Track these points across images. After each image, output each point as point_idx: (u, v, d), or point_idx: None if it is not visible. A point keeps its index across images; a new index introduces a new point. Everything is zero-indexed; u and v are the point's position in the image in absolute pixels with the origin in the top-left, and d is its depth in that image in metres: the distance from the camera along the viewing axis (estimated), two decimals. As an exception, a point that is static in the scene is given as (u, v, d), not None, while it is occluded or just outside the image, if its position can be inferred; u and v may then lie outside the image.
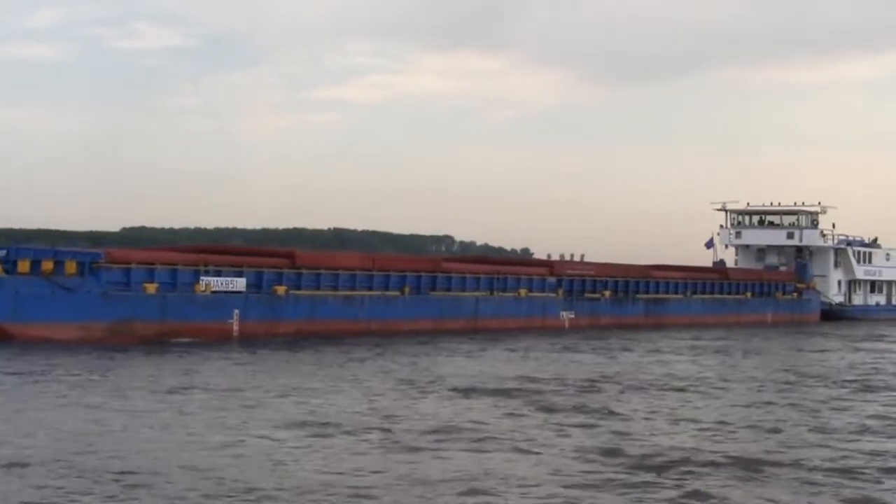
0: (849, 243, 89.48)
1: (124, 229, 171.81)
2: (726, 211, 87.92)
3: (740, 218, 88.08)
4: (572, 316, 61.05)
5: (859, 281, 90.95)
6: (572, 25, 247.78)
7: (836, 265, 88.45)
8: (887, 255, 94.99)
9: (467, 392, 28.10)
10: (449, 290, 55.30)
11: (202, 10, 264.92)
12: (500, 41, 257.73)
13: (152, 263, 44.22)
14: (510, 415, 24.13)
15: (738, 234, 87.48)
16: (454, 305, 54.78)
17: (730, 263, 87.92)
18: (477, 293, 56.31)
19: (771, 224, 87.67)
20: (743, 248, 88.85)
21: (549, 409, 24.96)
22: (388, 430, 21.29)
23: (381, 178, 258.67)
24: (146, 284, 43.34)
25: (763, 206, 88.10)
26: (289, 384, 28.85)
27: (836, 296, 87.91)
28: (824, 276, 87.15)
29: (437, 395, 27.35)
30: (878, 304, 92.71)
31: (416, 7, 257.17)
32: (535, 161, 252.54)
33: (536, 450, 19.58)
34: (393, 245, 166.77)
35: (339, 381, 29.90)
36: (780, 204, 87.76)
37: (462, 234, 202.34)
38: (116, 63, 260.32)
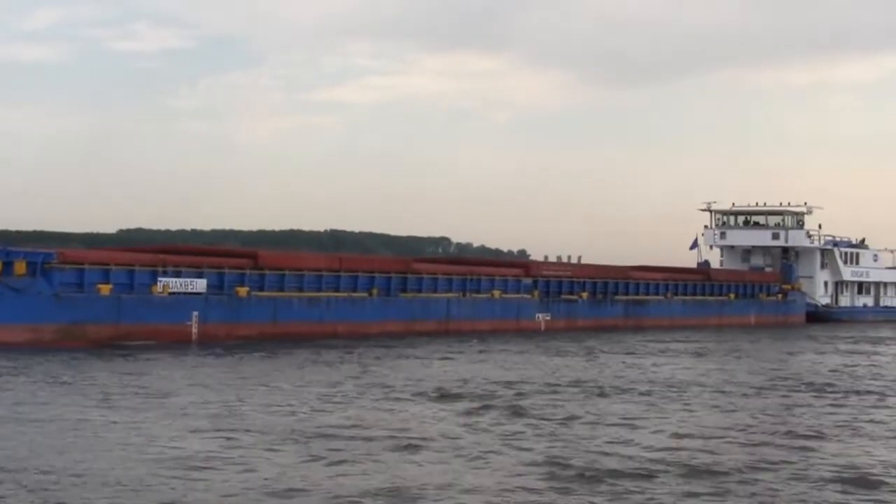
0: (835, 244, 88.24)
1: (121, 231, 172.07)
2: (711, 211, 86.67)
3: (725, 218, 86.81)
4: (548, 318, 59.69)
5: (846, 282, 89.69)
6: (572, 26, 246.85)
7: (823, 266, 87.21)
8: (875, 255, 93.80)
9: (418, 396, 26.79)
10: (420, 291, 53.94)
11: (200, 12, 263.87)
12: (500, 42, 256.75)
13: (107, 264, 42.82)
14: (448, 419, 22.77)
15: (722, 235, 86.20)
16: (425, 307, 53.41)
17: (715, 265, 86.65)
18: (449, 295, 54.95)
19: (756, 225, 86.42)
20: (728, 249, 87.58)
21: (504, 414, 23.64)
22: (312, 437, 19.92)
23: (379, 180, 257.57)
24: (100, 286, 41.93)
25: (748, 206, 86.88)
26: (229, 388, 27.51)
27: (822, 297, 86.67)
28: (810, 277, 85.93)
29: (381, 400, 26.01)
30: (865, 306, 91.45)
31: (414, 7, 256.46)
32: (533, 162, 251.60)
33: (476, 456, 18.32)
34: (389, 247, 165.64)
35: (277, 386, 28.55)
36: (765, 204, 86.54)
37: (459, 235, 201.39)
38: (114, 64, 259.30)
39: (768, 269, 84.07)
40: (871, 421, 24.24)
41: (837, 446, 20.58)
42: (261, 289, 47.16)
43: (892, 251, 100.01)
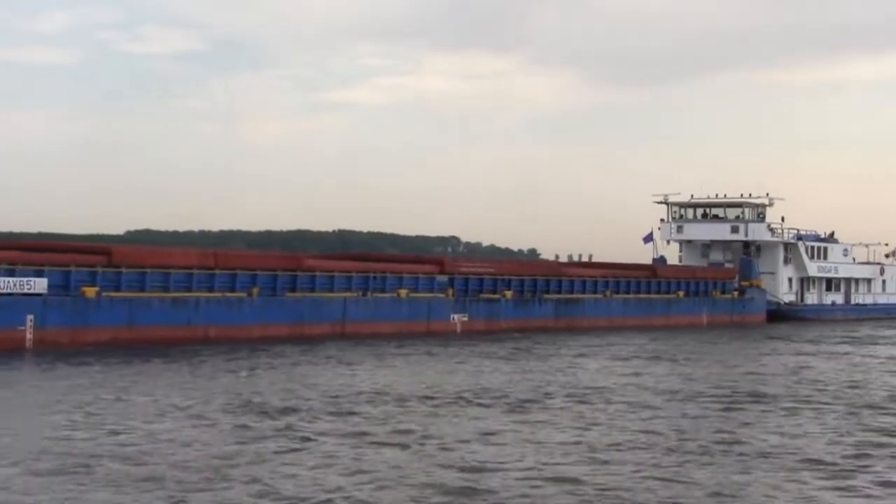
0: (800, 237, 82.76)
1: (128, 232, 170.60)
2: (667, 204, 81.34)
3: (682, 211, 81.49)
4: (465, 319, 54.45)
5: (813, 278, 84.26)
6: (581, 26, 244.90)
7: (787, 261, 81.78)
8: (845, 250, 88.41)
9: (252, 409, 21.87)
10: (313, 290, 48.77)
11: (211, 14, 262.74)
12: (509, 42, 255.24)
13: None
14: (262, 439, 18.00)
15: (679, 229, 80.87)
16: (316, 308, 48.23)
17: (674, 261, 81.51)
18: (346, 294, 49.76)
19: (716, 217, 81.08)
20: (687, 245, 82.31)
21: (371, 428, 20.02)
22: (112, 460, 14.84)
23: (389, 180, 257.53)
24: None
25: (708, 198, 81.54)
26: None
27: (786, 294, 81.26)
28: (773, 273, 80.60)
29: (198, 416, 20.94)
30: (833, 304, 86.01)
31: (424, 8, 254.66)
32: (543, 162, 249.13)
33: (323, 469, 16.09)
34: (397, 246, 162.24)
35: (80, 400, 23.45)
36: (725, 196, 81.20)
37: (468, 235, 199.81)
38: (125, 66, 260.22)
39: (728, 265, 78.74)
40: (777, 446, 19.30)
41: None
42: (117, 289, 42.01)
43: (867, 245, 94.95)
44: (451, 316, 53.96)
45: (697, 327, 66.87)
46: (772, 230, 79.76)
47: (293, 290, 47.95)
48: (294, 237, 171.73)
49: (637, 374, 34.65)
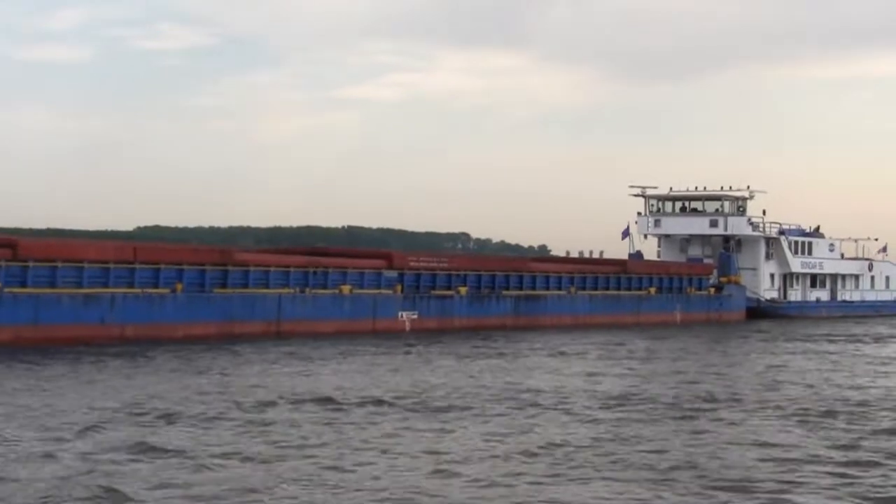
0: (782, 232, 79.55)
1: (138, 228, 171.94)
2: (644, 197, 78.20)
3: (660, 205, 78.34)
4: (415, 316, 51.37)
5: (796, 274, 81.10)
6: (593, 22, 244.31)
7: (768, 257, 78.62)
8: (831, 245, 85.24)
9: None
10: (246, 286, 45.73)
11: (223, 11, 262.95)
12: (522, 38, 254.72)
13: None
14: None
15: (656, 223, 77.73)
16: (249, 305, 45.16)
17: (651, 255, 78.45)
18: (282, 290, 46.69)
19: (694, 211, 77.91)
20: (665, 239, 79.18)
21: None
22: None
23: (399, 176, 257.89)
24: None
25: (687, 191, 78.40)
26: None
27: (767, 291, 78.11)
28: (754, 269, 77.51)
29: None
30: (818, 301, 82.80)
31: (436, 4, 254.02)
32: (554, 158, 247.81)
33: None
34: (407, 242, 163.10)
35: None
36: (705, 188, 78.07)
37: (479, 231, 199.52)
38: (137, 63, 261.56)
39: (708, 261, 75.58)
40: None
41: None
42: (22, 284, 38.97)
43: (856, 240, 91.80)
44: (400, 313, 50.88)
45: (670, 325, 63.81)
46: (752, 224, 76.57)
47: (224, 286, 44.93)
48: (302, 233, 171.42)
49: (589, 375, 31.77)
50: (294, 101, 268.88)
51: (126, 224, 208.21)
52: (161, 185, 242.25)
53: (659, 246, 79.93)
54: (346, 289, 48.91)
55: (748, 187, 76.85)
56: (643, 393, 27.46)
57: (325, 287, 48.54)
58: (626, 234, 77.64)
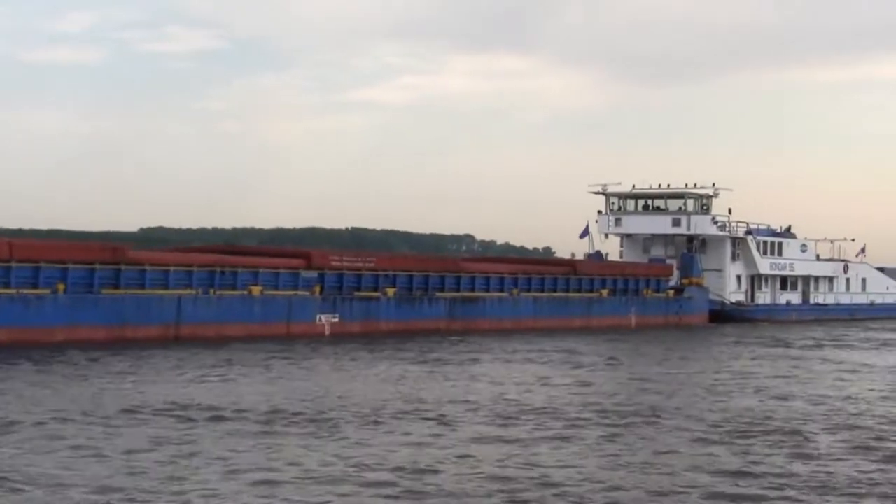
0: (749, 231, 75.88)
1: (142, 230, 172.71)
2: (605, 194, 74.57)
3: (621, 203, 74.71)
4: (335, 320, 47.78)
5: (765, 276, 77.43)
6: (602, 26, 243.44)
7: (735, 258, 74.99)
8: (803, 246, 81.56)
9: None
10: (142, 286, 42.16)
11: (233, 14, 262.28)
12: (531, 42, 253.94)
13: None
14: None
15: (617, 222, 74.10)
16: (143, 308, 41.57)
17: (614, 257, 74.90)
18: (182, 291, 43.10)
19: (657, 209, 74.27)
20: (628, 239, 75.59)
21: None
22: None
23: (406, 178, 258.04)
24: None
25: (651, 188, 74.76)
26: None
27: (733, 293, 74.46)
28: (720, 270, 73.89)
29: None
30: (788, 303, 79.13)
31: (445, 8, 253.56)
32: (562, 160, 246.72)
33: None
34: (412, 244, 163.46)
35: None
36: (668, 186, 74.42)
37: (484, 233, 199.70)
38: (147, 66, 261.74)
39: (671, 261, 71.91)
40: None
41: None
42: None
43: (832, 241, 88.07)
44: (318, 317, 47.31)
45: (624, 329, 60.18)
46: (717, 223, 72.91)
47: (116, 286, 41.36)
48: (306, 235, 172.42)
49: (500, 384, 28.42)
50: (302, 103, 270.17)
51: (129, 225, 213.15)
52: (166, 186, 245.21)
53: (621, 246, 76.46)
54: (256, 290, 45.32)
55: (713, 184, 73.27)
56: (551, 403, 24.34)
57: (233, 288, 44.96)
58: (585, 233, 74.06)
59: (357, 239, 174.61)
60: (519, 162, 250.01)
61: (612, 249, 77.65)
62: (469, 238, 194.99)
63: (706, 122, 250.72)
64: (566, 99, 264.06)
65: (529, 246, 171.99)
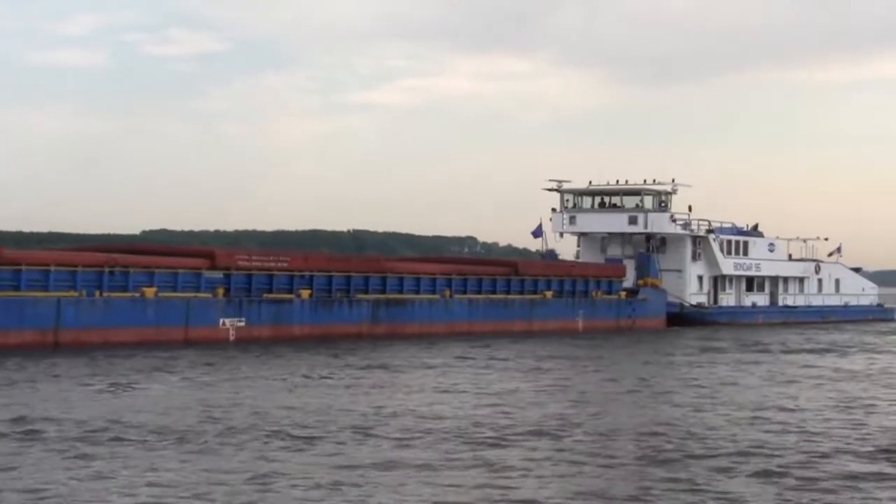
0: (710, 230, 72.33)
1: (144, 232, 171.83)
2: (560, 191, 71.07)
3: (577, 200, 71.21)
4: (241, 324, 44.31)
5: (729, 277, 73.92)
6: (605, 26, 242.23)
7: (696, 257, 71.44)
8: (771, 245, 78.07)
9: None
10: (17, 288, 38.70)
11: (235, 16, 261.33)
12: (532, 43, 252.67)
13: None
14: None
15: (572, 220, 70.55)
16: (14, 311, 38.07)
17: (569, 256, 71.46)
18: (63, 294, 39.61)
19: (614, 207, 70.75)
20: (585, 238, 72.12)
21: None
22: None
23: (408, 180, 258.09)
24: None
25: (608, 184, 71.23)
26: None
27: (694, 295, 70.94)
28: (680, 270, 70.40)
29: None
30: (754, 305, 75.62)
31: (448, 9, 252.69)
32: (563, 162, 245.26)
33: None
34: (413, 246, 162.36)
35: None
36: (626, 182, 70.91)
37: (485, 235, 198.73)
38: (150, 68, 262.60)
39: (628, 261, 68.34)
40: None
41: None
42: None
43: (804, 240, 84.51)
44: (221, 320, 43.85)
45: (571, 333, 56.71)
46: (675, 221, 69.40)
47: (-14, 288, 37.97)
48: (307, 237, 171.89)
49: (396, 394, 25.36)
50: (306, 105, 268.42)
51: (132, 228, 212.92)
52: (168, 189, 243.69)
53: (578, 245, 73.02)
54: (149, 291, 41.86)
55: (673, 180, 69.78)
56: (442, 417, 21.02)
57: (124, 289, 41.49)
58: (538, 232, 70.55)
59: (358, 241, 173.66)
60: (521, 163, 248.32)
61: (571, 249, 74.68)
62: (471, 240, 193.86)
63: (715, 121, 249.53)
64: (568, 100, 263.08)
65: (532, 247, 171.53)
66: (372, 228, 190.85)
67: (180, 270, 43.49)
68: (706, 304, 71.51)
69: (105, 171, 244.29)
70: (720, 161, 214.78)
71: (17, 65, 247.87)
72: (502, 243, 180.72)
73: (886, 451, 19.05)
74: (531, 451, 18.46)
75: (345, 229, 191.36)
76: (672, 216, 69.08)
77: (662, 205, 69.29)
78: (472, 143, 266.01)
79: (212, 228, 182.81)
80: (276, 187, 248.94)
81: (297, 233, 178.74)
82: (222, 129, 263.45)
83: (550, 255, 69.64)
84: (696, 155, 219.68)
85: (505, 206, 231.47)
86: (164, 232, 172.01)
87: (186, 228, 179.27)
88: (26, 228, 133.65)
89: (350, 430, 20.31)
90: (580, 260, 70.65)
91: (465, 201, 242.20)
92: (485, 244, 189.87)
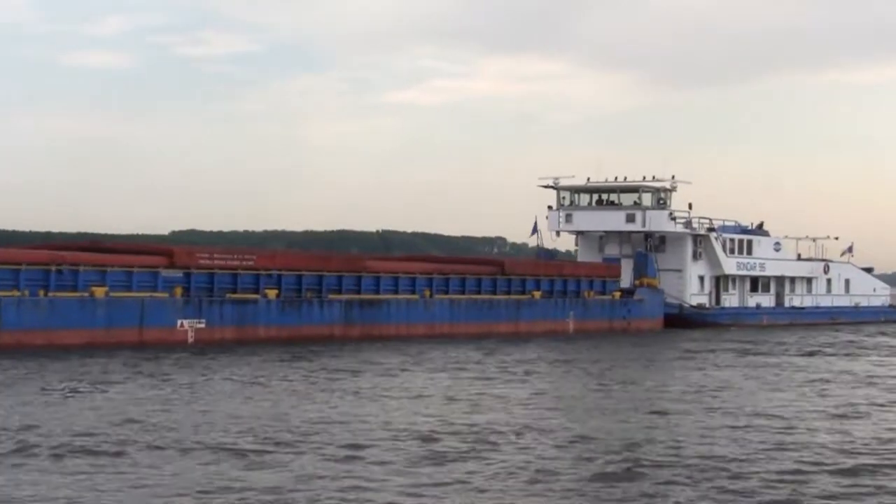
0: (711, 228, 69.55)
1: (173, 232, 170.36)
2: (556, 188, 68.47)
3: (573, 197, 68.59)
4: (201, 325, 41.94)
5: (732, 277, 71.14)
6: (634, 28, 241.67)
7: (696, 256, 68.68)
8: (777, 244, 75.23)
9: None
10: (-46, 288, 36.49)
11: (268, 16, 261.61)
12: (561, 44, 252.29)
13: None
14: None
15: (568, 218, 67.92)
16: (-50, 312, 35.87)
17: (568, 256, 68.92)
18: (5, 293, 37.31)
19: (611, 204, 68.10)
20: (583, 237, 69.57)
21: None
22: None
23: (437, 180, 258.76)
24: None
25: (606, 181, 68.59)
26: None
27: (694, 296, 68.19)
28: (680, 270, 67.72)
29: None
30: (759, 306, 72.77)
31: (478, 10, 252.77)
32: (592, 162, 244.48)
33: None
34: (440, 246, 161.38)
35: None
36: (626, 179, 68.25)
37: (515, 235, 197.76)
38: (183, 70, 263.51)
39: (626, 261, 65.67)
40: None
41: None
42: None
43: (814, 239, 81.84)
44: (179, 321, 41.49)
45: (561, 335, 54.18)
46: (675, 219, 66.69)
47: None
48: (335, 237, 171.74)
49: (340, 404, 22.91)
50: (338, 105, 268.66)
51: (161, 228, 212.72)
52: (198, 189, 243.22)
53: (576, 245, 70.51)
54: (99, 291, 39.52)
55: (672, 177, 67.12)
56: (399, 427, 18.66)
57: (74, 289, 39.18)
58: (534, 230, 68.08)
59: (386, 241, 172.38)
60: (550, 164, 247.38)
61: (570, 248, 72.40)
62: (501, 240, 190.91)
63: (744, 123, 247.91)
64: (597, 101, 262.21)
65: (562, 248, 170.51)
66: (400, 229, 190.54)
67: (135, 269, 41.14)
68: (707, 305, 68.78)
69: (135, 171, 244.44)
70: (754, 162, 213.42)
71: (50, 66, 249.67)
72: (532, 244, 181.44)
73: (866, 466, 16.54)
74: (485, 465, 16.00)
75: (373, 230, 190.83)
76: (671, 214, 66.40)
77: (661, 202, 66.60)
78: (501, 144, 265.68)
79: (241, 229, 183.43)
80: (306, 188, 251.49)
81: (325, 233, 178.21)
82: (254, 129, 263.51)
83: (547, 254, 67.18)
84: (732, 155, 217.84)
85: (534, 207, 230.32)
86: (192, 232, 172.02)
87: (216, 229, 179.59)
88: (55, 229, 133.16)
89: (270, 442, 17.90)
90: (579, 259, 68.22)
91: (494, 201, 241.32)
92: (514, 245, 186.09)
